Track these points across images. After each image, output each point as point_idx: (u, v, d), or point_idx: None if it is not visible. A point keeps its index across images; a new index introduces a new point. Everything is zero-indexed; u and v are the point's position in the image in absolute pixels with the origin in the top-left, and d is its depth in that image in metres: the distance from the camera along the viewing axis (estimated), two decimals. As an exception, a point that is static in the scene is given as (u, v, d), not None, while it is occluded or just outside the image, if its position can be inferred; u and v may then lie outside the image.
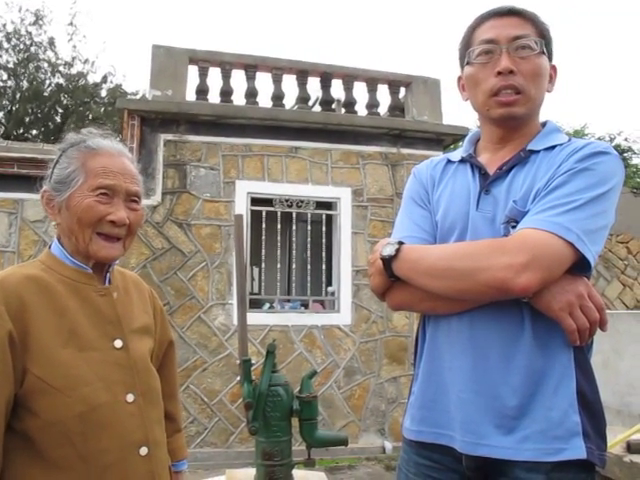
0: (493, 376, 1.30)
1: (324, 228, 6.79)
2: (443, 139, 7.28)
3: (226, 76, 6.90)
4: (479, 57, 1.42)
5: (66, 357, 1.25)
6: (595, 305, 1.25)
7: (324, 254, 6.77)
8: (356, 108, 7.31)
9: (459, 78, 1.54)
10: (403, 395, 6.64)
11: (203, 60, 6.82)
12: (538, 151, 1.40)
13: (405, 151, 7.09)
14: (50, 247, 1.40)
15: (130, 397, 1.32)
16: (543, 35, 1.42)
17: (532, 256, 1.20)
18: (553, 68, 1.47)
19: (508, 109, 1.38)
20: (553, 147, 1.39)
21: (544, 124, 1.48)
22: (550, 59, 1.45)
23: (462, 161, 1.52)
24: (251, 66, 6.94)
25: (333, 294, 6.80)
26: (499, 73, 1.37)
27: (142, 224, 1.46)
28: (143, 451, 1.31)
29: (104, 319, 1.35)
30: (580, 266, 1.24)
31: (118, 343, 1.34)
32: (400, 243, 1.40)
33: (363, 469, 6.00)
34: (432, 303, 1.38)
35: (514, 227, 1.31)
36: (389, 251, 1.39)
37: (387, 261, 1.39)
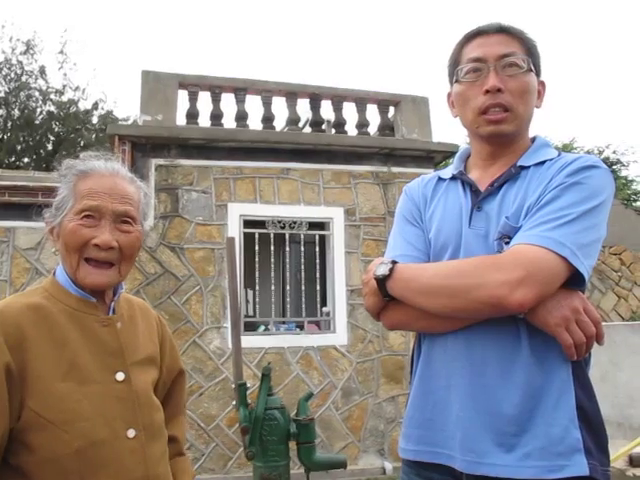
0: (492, 393, 1.29)
1: (317, 248, 6.78)
2: (433, 156, 7.32)
3: (216, 100, 6.93)
4: (467, 75, 1.44)
5: (65, 390, 1.21)
6: (591, 319, 1.25)
7: (318, 274, 6.76)
8: (346, 128, 7.35)
9: (448, 95, 1.55)
10: (402, 414, 6.57)
11: (192, 84, 6.86)
12: (528, 167, 1.40)
13: (396, 169, 7.12)
14: (55, 273, 1.36)
15: (131, 432, 1.27)
16: (530, 52, 1.43)
17: (527, 272, 1.20)
18: (542, 84, 1.48)
19: (497, 127, 1.40)
20: (543, 162, 1.39)
21: (533, 139, 1.49)
22: (538, 75, 1.46)
23: (453, 178, 1.52)
24: (240, 89, 6.98)
25: (328, 314, 6.78)
26: (487, 91, 1.38)
27: (139, 247, 1.39)
28: None
29: (106, 351, 1.31)
30: (574, 280, 1.24)
31: (120, 376, 1.30)
32: (394, 262, 1.39)
33: (364, 491, 5.94)
34: (427, 322, 1.37)
35: (507, 243, 1.31)
36: (383, 271, 1.38)
37: (381, 281, 1.38)
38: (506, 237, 1.32)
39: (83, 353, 1.27)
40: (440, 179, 1.56)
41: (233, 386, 5.90)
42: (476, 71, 1.42)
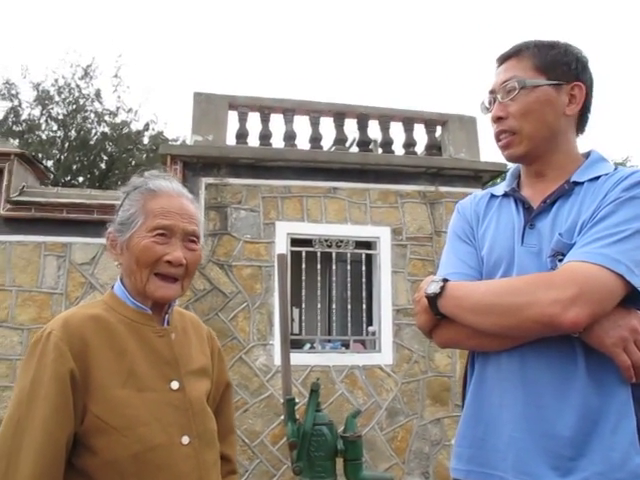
0: (547, 414, 1.26)
1: (364, 267, 6.78)
2: (481, 176, 7.26)
3: (265, 120, 7.07)
4: (486, 107, 1.51)
5: (124, 397, 1.27)
6: None
7: (364, 293, 6.75)
8: (393, 148, 7.37)
9: None
10: (447, 437, 6.47)
11: (243, 105, 7.02)
12: (582, 182, 1.38)
13: (443, 189, 7.09)
14: (113, 287, 1.44)
15: (185, 439, 1.32)
16: (544, 65, 1.41)
17: (580, 290, 1.17)
18: (574, 87, 1.42)
19: (507, 152, 1.44)
20: (598, 177, 1.37)
21: (588, 154, 1.47)
22: (566, 81, 1.41)
23: (505, 195, 1.52)
24: (289, 110, 7.10)
25: (374, 334, 6.74)
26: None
27: (199, 263, 1.47)
28: None
29: (161, 360, 1.36)
30: (632, 298, 1.21)
31: (175, 385, 1.35)
32: (445, 280, 1.39)
33: (408, 514, 5.84)
34: (480, 340, 1.36)
35: (561, 260, 1.29)
36: (434, 289, 1.38)
37: (432, 299, 1.38)
38: (559, 254, 1.30)
39: (140, 362, 1.33)
40: (493, 196, 1.56)
41: (281, 401, 5.89)
42: (491, 103, 1.48)
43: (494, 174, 7.33)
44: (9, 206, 6.32)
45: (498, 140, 1.44)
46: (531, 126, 1.40)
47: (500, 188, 1.56)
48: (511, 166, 1.63)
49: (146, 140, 16.99)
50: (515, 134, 1.40)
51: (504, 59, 1.47)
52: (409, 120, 7.41)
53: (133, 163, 16.40)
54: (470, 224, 1.55)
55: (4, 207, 6.32)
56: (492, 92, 1.46)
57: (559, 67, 1.42)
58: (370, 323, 6.82)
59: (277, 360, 6.27)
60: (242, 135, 7.00)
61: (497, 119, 1.42)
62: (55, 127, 15.98)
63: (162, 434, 1.28)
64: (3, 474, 1.16)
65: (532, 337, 1.28)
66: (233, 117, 7.01)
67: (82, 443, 1.24)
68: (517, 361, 1.32)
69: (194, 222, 1.42)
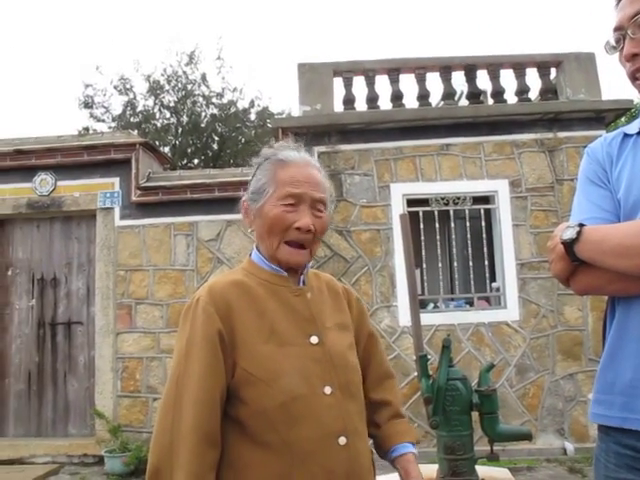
0: None
1: (483, 223, 6.63)
2: (604, 116, 6.77)
3: (370, 83, 7.03)
4: (615, 45, 1.41)
5: (267, 352, 1.38)
6: None
7: (485, 249, 6.61)
8: (505, 96, 7.05)
9: None
10: (582, 392, 6.26)
11: (347, 71, 7.01)
12: None
13: (562, 134, 6.71)
14: (250, 255, 1.56)
15: (328, 389, 1.40)
16: None
17: None
18: None
19: None
20: None
21: None
22: None
23: None
24: (394, 70, 7.00)
25: (498, 290, 6.61)
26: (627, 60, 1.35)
27: (326, 229, 1.54)
28: (342, 441, 1.38)
29: (300, 317, 1.46)
30: None
31: (314, 339, 1.44)
32: (581, 225, 1.36)
33: (544, 471, 5.70)
34: (623, 284, 1.32)
35: None
36: (570, 234, 1.35)
37: (569, 245, 1.35)
38: None
39: (280, 320, 1.43)
40: (626, 135, 1.48)
41: (408, 361, 5.96)
42: (619, 40, 1.38)
43: (619, 113, 6.79)
44: (139, 192, 6.80)
45: (635, 79, 1.36)
46: None
47: (634, 126, 1.48)
48: (638, 102, 1.55)
49: (253, 117, 17.40)
50: None
51: None
52: (520, 65, 7.04)
53: (243, 140, 16.88)
54: (603, 166, 1.49)
55: (135, 193, 6.80)
56: (619, 29, 1.37)
57: None
58: (493, 279, 6.69)
59: (402, 321, 6.34)
60: (349, 101, 7.01)
61: (632, 56, 1.33)
62: (168, 114, 16.76)
63: (304, 385, 1.37)
64: (170, 424, 1.31)
65: None
66: (338, 84, 7.03)
67: (235, 395, 1.36)
68: None
69: (321, 190, 1.50)
